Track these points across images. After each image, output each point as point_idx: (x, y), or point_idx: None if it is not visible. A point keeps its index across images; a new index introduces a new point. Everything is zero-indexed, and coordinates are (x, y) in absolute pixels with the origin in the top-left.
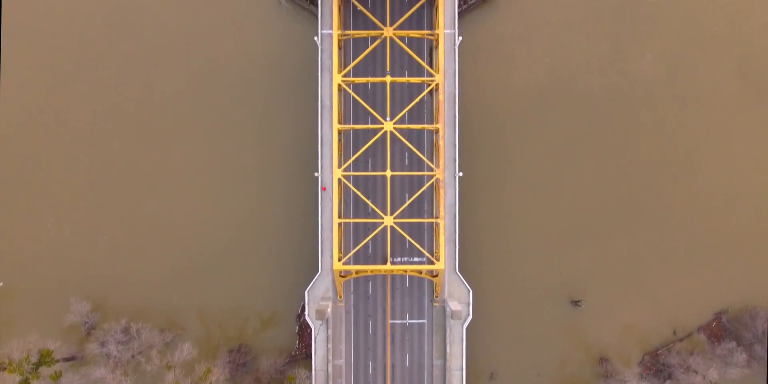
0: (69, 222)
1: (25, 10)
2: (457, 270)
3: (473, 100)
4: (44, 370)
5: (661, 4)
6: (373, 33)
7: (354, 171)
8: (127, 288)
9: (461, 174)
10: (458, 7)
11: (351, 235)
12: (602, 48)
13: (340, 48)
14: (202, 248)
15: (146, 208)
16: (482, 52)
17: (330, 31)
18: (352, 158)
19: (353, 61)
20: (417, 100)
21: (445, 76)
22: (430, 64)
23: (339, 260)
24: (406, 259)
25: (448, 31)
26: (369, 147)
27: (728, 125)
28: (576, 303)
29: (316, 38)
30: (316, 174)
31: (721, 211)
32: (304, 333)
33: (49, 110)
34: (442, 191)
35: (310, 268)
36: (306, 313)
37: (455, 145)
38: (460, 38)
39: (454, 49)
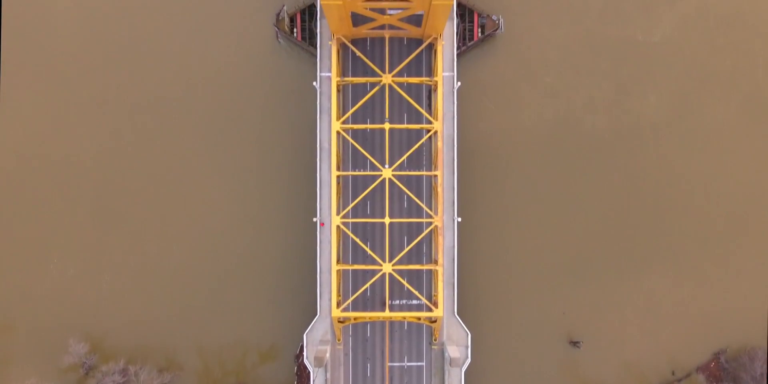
0: (73, 261)
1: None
2: (456, 313)
3: (472, 142)
4: None
5: (664, 44)
6: (371, 79)
7: (353, 217)
8: (126, 327)
9: (459, 219)
10: (457, 48)
11: (350, 278)
12: (606, 87)
13: (338, 91)
14: (202, 287)
15: (149, 248)
16: (482, 92)
17: (329, 73)
18: (351, 205)
19: (352, 105)
20: (415, 147)
21: (443, 121)
22: (430, 107)
23: (337, 306)
24: (404, 301)
25: (446, 73)
26: (368, 191)
27: (736, 165)
28: (575, 344)
29: (315, 83)
30: (314, 219)
31: (724, 252)
32: (302, 374)
33: (53, 148)
34: (440, 238)
35: (309, 307)
36: (305, 355)
37: (454, 189)
38: (459, 83)
39: (453, 92)
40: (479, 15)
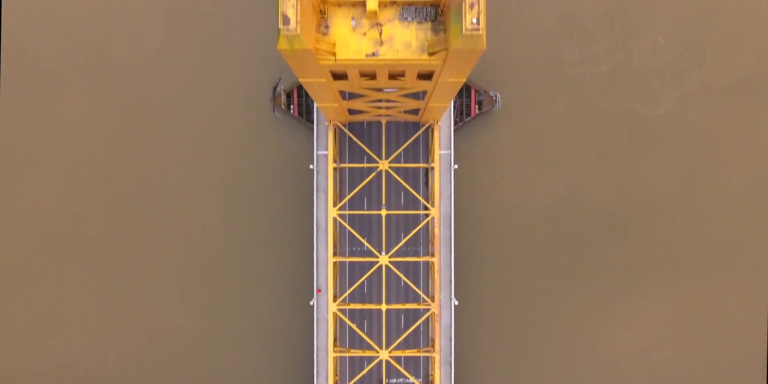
0: (77, 337)
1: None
2: None
3: (471, 219)
4: None
5: (666, 117)
6: (368, 165)
7: (350, 302)
8: None
9: (457, 303)
10: (454, 124)
11: (347, 364)
12: (610, 160)
13: (335, 169)
14: (203, 363)
15: (155, 323)
16: (480, 167)
17: (325, 151)
18: (348, 292)
19: (349, 188)
20: (412, 234)
21: (441, 199)
22: (427, 185)
23: None
24: (401, 380)
25: (443, 151)
26: (364, 278)
27: (746, 236)
28: None
29: (311, 165)
30: (311, 302)
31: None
32: None
33: (58, 227)
34: (437, 325)
35: None
36: None
37: (451, 268)
38: (456, 166)
39: (450, 170)
40: (476, 91)
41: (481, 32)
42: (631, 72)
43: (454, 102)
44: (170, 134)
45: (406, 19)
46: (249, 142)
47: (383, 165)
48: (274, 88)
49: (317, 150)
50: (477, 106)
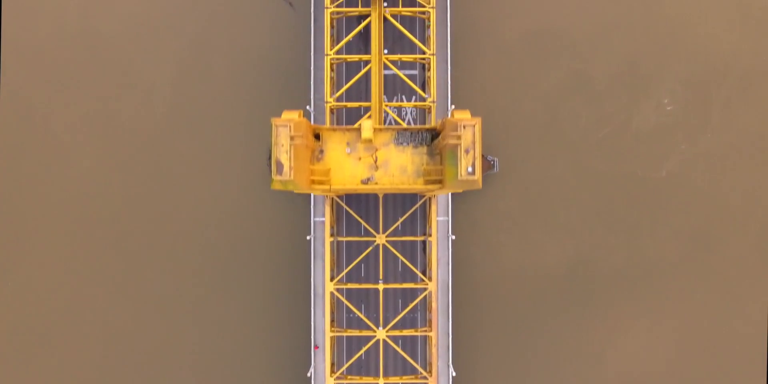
0: None
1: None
2: None
3: (469, 287)
4: None
5: (669, 180)
6: (365, 238)
7: (347, 374)
8: None
9: (455, 374)
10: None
11: None
12: (614, 226)
13: (331, 236)
14: None
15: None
16: (479, 233)
17: (323, 218)
18: (345, 366)
19: (346, 259)
20: (408, 309)
21: (439, 272)
22: (425, 252)
23: None
24: None
25: (441, 218)
26: (361, 352)
27: (757, 301)
28: None
29: (308, 237)
30: (308, 374)
31: None
32: None
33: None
34: None
35: None
36: None
37: (448, 338)
38: (453, 237)
39: (448, 238)
40: None
41: (477, 178)
42: (634, 133)
43: None
44: (164, 204)
45: (401, 143)
46: (244, 208)
47: (380, 239)
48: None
49: (314, 217)
50: None
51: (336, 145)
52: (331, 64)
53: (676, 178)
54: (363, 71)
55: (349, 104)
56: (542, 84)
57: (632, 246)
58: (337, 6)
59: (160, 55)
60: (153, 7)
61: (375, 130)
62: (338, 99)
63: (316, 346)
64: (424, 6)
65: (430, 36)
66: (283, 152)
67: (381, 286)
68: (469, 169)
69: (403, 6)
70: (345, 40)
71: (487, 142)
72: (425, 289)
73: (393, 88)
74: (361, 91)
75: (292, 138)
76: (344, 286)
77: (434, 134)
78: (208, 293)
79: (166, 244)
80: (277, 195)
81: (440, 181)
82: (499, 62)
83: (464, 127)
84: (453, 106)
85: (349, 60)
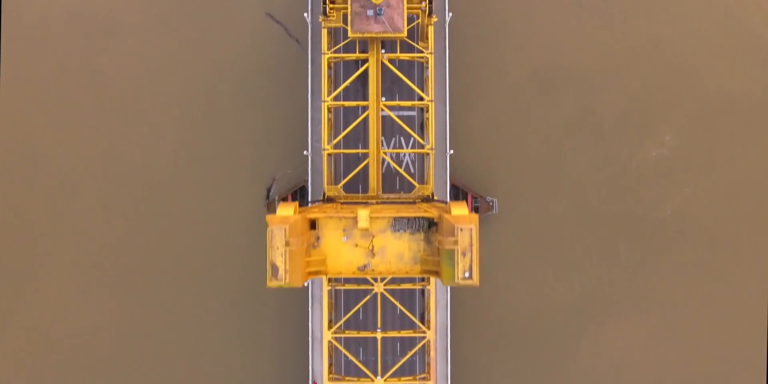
0: None
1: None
2: None
3: (469, 332)
4: None
5: (673, 217)
6: (363, 286)
7: None
8: None
9: None
10: None
11: None
12: (617, 268)
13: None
14: None
15: None
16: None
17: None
18: None
19: (344, 308)
20: (406, 358)
21: (437, 319)
22: (423, 295)
23: None
24: None
25: None
26: None
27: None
28: None
29: (306, 283)
30: None
31: None
32: None
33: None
34: None
35: None
36: None
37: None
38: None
39: (447, 289)
40: (473, 197)
41: (474, 282)
42: (636, 173)
43: None
44: (164, 247)
45: (398, 230)
46: (243, 252)
47: (378, 287)
48: (268, 190)
49: None
50: (474, 212)
51: (332, 232)
52: (329, 108)
53: (682, 217)
54: (360, 118)
55: (347, 151)
56: (543, 123)
57: (635, 283)
58: (335, 51)
59: (165, 99)
60: (155, 50)
61: (371, 218)
62: (336, 143)
63: (314, 382)
64: (422, 52)
65: (428, 76)
66: (278, 256)
67: (379, 335)
68: (466, 274)
69: (401, 51)
70: (342, 86)
71: (486, 184)
72: (424, 337)
73: (391, 129)
74: (359, 133)
75: (287, 243)
76: (342, 335)
77: (431, 221)
78: (205, 340)
79: (167, 289)
80: None
81: (437, 273)
82: (498, 102)
83: (461, 229)
84: (452, 151)
85: (346, 105)
